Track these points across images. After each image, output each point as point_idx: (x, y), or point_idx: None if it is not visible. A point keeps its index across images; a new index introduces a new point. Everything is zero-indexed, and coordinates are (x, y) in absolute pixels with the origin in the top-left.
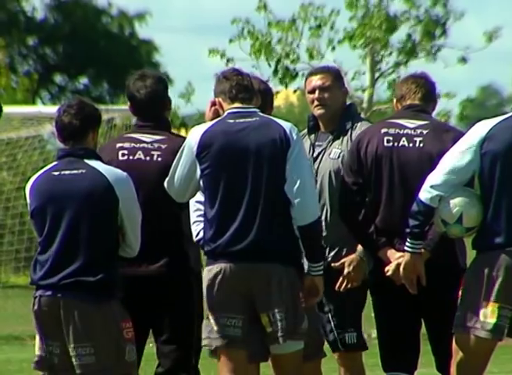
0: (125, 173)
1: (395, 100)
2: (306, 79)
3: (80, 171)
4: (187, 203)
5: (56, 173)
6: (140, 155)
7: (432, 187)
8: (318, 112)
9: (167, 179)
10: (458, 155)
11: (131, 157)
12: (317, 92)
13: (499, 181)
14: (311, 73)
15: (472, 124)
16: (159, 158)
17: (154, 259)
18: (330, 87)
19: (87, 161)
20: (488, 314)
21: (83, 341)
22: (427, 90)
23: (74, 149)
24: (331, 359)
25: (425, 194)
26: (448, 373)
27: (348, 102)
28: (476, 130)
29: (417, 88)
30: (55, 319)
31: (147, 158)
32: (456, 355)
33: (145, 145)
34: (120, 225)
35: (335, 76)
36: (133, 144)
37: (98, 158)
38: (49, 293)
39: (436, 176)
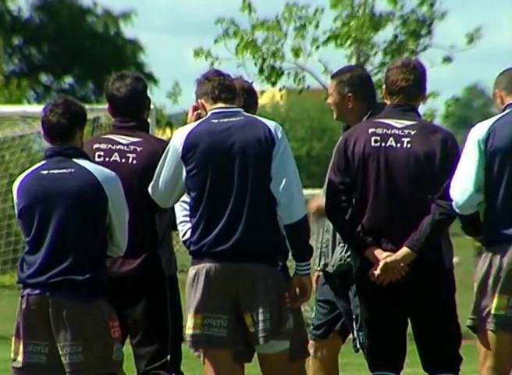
0: (113, 173)
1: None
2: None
3: (68, 170)
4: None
5: (45, 172)
6: (116, 157)
7: (457, 201)
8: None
9: (151, 184)
10: (467, 162)
11: (107, 159)
12: (329, 97)
13: (506, 176)
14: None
15: (460, 124)
16: (134, 161)
17: (126, 261)
18: (331, 93)
19: (75, 160)
20: (498, 306)
21: (72, 339)
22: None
23: (62, 148)
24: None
25: (456, 208)
26: (434, 373)
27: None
28: (476, 131)
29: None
30: (44, 317)
31: (123, 160)
32: (481, 355)
33: (121, 147)
34: (108, 224)
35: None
36: (109, 146)
37: (86, 157)
38: (37, 291)
39: (457, 187)
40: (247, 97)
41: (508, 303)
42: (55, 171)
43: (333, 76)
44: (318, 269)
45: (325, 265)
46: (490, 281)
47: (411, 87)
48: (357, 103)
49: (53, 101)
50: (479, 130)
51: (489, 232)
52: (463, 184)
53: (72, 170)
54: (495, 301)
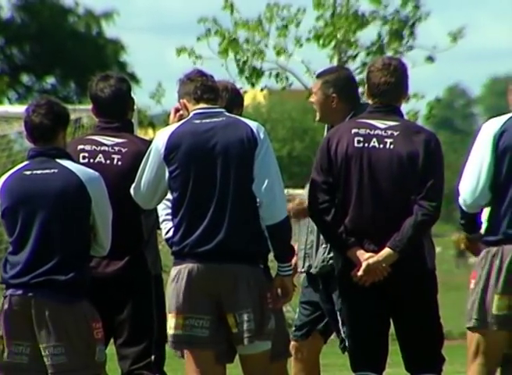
0: (97, 173)
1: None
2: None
3: (52, 170)
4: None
5: (28, 173)
6: (100, 158)
7: (465, 199)
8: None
9: (133, 185)
10: (478, 159)
11: (92, 160)
12: (312, 96)
13: None
14: (316, 76)
15: (441, 124)
16: (119, 162)
17: (112, 262)
18: (316, 92)
19: (58, 160)
20: (499, 306)
21: (55, 340)
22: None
23: (46, 149)
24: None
25: (464, 206)
26: (416, 373)
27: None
28: (489, 127)
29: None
30: (26, 318)
31: (108, 161)
32: (470, 351)
33: (106, 148)
34: (92, 224)
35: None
36: (94, 147)
37: (69, 157)
38: (20, 292)
39: (466, 184)
40: (233, 97)
41: (509, 303)
42: (38, 171)
43: (319, 76)
44: (302, 270)
45: (309, 266)
46: (491, 281)
47: (393, 89)
48: (341, 104)
49: (36, 101)
50: (492, 127)
51: (493, 231)
52: (473, 182)
53: (56, 171)
54: (496, 301)
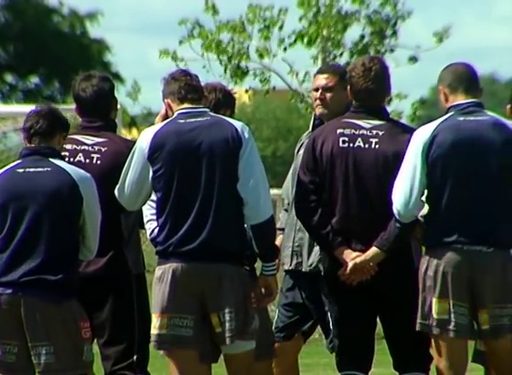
0: (88, 174)
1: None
2: (314, 76)
3: (45, 169)
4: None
5: (21, 171)
6: (80, 157)
7: (399, 210)
8: (318, 111)
9: (117, 186)
10: (409, 170)
11: (72, 159)
12: (319, 92)
13: (449, 183)
14: (318, 72)
15: (425, 123)
16: (98, 161)
17: (92, 261)
18: (333, 87)
19: (52, 160)
20: (438, 310)
21: (44, 340)
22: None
23: (40, 147)
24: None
25: (397, 216)
26: (404, 372)
27: None
28: (419, 136)
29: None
30: (15, 317)
31: (87, 160)
32: (435, 353)
33: (86, 148)
34: (81, 226)
35: (340, 76)
36: (74, 146)
37: (62, 158)
38: (9, 291)
39: (399, 196)
40: (220, 98)
41: (449, 307)
42: (31, 169)
43: (328, 72)
44: (291, 268)
45: (298, 264)
46: (429, 285)
47: (375, 91)
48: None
49: (37, 108)
50: (422, 136)
51: (430, 237)
52: (406, 193)
53: (49, 169)
54: (435, 305)
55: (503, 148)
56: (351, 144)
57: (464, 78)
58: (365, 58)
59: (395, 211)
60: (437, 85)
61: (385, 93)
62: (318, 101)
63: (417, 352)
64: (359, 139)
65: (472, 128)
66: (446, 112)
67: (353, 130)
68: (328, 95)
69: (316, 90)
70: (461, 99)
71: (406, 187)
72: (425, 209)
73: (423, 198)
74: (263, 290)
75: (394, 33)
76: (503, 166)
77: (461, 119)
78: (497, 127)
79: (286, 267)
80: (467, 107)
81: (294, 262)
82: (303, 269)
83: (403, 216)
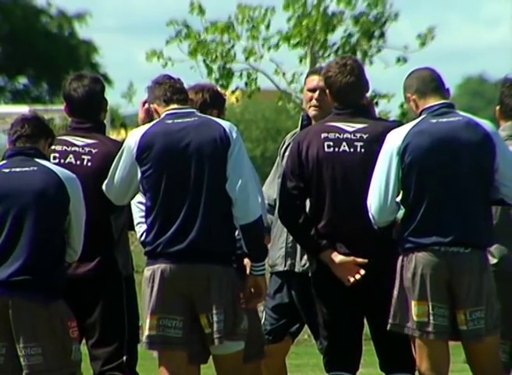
0: (74, 174)
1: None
2: (308, 76)
3: (31, 168)
4: (117, 207)
5: (6, 171)
6: (70, 158)
7: (373, 215)
8: (312, 112)
9: (105, 182)
10: (383, 176)
11: (62, 160)
12: (317, 92)
13: (424, 188)
14: (314, 72)
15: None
16: (89, 163)
17: (82, 263)
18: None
19: (37, 160)
20: (419, 313)
21: (32, 341)
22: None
23: (25, 148)
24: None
25: (373, 221)
26: (390, 373)
27: None
28: (391, 141)
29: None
30: (3, 318)
31: (78, 162)
32: (417, 355)
33: (76, 149)
34: (67, 226)
35: None
36: (64, 148)
37: (47, 159)
38: None
39: (374, 202)
40: (206, 98)
41: (428, 310)
42: (18, 169)
43: (319, 73)
44: (285, 269)
45: (291, 265)
46: (407, 287)
47: (355, 84)
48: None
49: (22, 115)
50: (395, 141)
51: (406, 240)
52: (381, 199)
53: (35, 169)
54: (415, 307)
55: (477, 148)
56: (336, 149)
57: (430, 80)
58: (337, 58)
59: (370, 216)
60: (404, 94)
61: (364, 87)
62: (314, 102)
63: (403, 353)
64: (344, 143)
65: (446, 130)
66: (419, 116)
67: (337, 134)
68: (326, 97)
69: (313, 90)
70: (432, 101)
71: (380, 192)
72: (401, 212)
73: (398, 199)
74: (252, 290)
75: (382, 34)
76: (478, 166)
77: (434, 121)
78: (470, 127)
79: (280, 268)
80: (438, 109)
81: (288, 262)
82: (295, 270)
83: (379, 222)
